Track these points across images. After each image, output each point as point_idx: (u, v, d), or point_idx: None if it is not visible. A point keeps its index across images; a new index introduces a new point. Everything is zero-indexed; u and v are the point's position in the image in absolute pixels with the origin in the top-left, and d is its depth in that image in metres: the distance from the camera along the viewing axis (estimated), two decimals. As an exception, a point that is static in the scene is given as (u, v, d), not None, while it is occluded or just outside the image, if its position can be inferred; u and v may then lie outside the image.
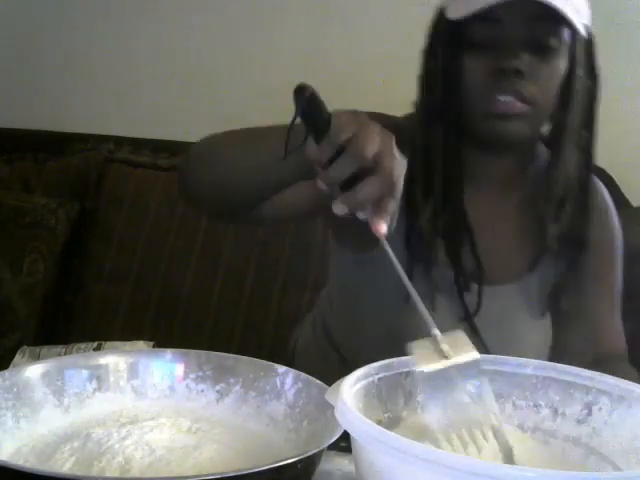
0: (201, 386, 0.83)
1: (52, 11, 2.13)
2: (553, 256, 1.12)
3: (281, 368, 0.82)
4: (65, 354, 1.09)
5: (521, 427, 0.71)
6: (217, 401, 0.83)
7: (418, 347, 0.66)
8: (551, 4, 0.97)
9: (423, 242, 1.07)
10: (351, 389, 0.63)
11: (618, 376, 0.69)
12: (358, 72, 1.85)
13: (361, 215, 0.75)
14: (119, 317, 1.79)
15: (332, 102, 0.76)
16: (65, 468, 0.68)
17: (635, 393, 0.67)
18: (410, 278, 1.03)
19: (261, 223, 1.52)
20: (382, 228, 0.73)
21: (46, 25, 2.14)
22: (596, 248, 1.14)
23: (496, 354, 1.04)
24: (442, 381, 0.65)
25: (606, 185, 1.22)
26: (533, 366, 0.72)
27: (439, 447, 0.62)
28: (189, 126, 1.70)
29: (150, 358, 0.85)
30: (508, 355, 0.74)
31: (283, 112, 0.81)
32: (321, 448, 0.66)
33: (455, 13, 1.03)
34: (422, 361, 0.65)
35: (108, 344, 1.11)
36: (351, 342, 1.17)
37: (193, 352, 0.85)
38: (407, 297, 0.71)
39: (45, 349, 1.11)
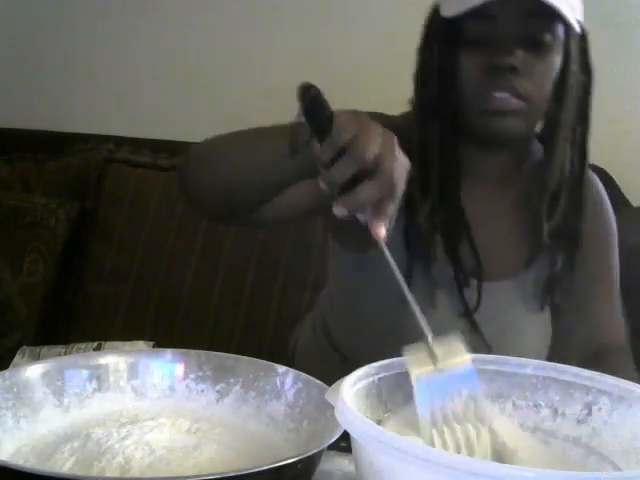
0: (201, 386, 0.83)
1: (52, 11, 2.13)
2: (549, 252, 1.12)
3: (281, 368, 0.82)
4: (65, 354, 1.09)
5: (521, 427, 0.71)
6: (217, 401, 0.83)
7: (412, 352, 0.67)
8: (546, 1, 0.97)
9: (422, 239, 1.08)
10: (351, 389, 0.63)
11: (618, 367, 0.69)
12: (358, 72, 1.85)
13: (361, 217, 0.75)
14: (119, 317, 1.79)
15: (332, 102, 0.76)
16: (65, 468, 0.68)
17: (635, 393, 0.67)
18: (410, 275, 1.06)
19: (261, 225, 1.52)
20: (381, 231, 0.73)
21: (46, 25, 2.14)
22: (592, 240, 1.14)
23: (496, 349, 1.06)
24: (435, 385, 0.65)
25: (606, 185, 1.22)
26: (533, 366, 0.72)
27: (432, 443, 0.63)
28: (189, 126, 1.71)
29: (150, 358, 0.85)
30: (508, 350, 0.74)
31: (283, 112, 0.81)
32: (321, 448, 0.66)
33: (449, 11, 1.03)
34: (415, 366, 0.66)
35: (108, 344, 1.11)
36: (351, 342, 1.17)
37: (193, 352, 0.85)
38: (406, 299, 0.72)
39: (45, 349, 1.11)
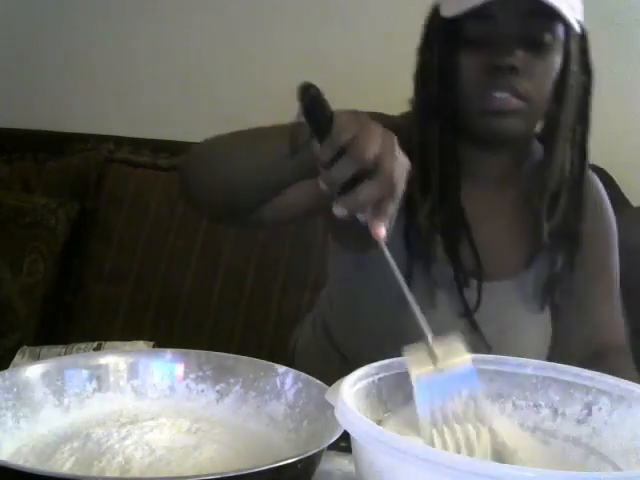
0: (201, 386, 0.83)
1: (52, 11, 2.13)
2: (549, 252, 1.12)
3: (281, 368, 0.82)
4: (65, 354, 1.09)
5: (521, 427, 0.71)
6: (217, 401, 0.82)
7: (412, 352, 0.67)
8: (546, 1, 0.97)
9: (422, 239, 1.08)
10: (351, 389, 0.63)
11: (618, 367, 0.69)
12: (358, 72, 1.85)
13: (361, 217, 0.75)
14: (119, 317, 1.79)
15: (332, 102, 0.76)
16: (65, 468, 0.68)
17: (635, 393, 0.67)
18: (410, 275, 1.06)
19: (261, 226, 1.52)
20: (381, 231, 0.73)
21: (46, 25, 2.14)
22: (592, 240, 1.14)
23: (496, 349, 1.06)
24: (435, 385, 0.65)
25: (606, 185, 1.22)
26: (533, 366, 0.72)
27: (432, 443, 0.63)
28: (189, 126, 1.71)
29: (150, 358, 0.85)
30: (508, 350, 0.74)
31: (283, 112, 0.81)
32: (321, 448, 0.66)
33: (449, 11, 1.03)
34: (415, 366, 0.66)
35: (108, 344, 1.11)
36: (351, 342, 1.17)
37: (193, 352, 0.85)
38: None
39: (45, 349, 1.11)
